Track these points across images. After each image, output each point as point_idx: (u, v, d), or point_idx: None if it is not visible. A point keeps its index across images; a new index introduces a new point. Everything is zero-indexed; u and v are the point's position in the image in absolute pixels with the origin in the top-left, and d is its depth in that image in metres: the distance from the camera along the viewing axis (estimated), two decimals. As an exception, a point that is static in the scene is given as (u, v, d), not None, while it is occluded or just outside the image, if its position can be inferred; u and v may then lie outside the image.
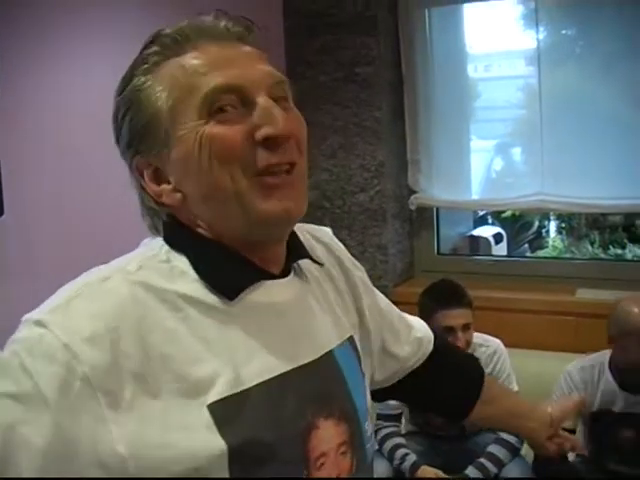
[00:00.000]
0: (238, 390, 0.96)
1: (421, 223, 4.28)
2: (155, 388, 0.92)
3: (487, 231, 5.84)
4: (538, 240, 7.00)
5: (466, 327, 3.04)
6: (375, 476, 1.22)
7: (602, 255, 6.21)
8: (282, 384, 1.01)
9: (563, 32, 3.99)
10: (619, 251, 6.28)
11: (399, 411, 3.27)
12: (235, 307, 1.02)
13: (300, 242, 1.16)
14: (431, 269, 4.20)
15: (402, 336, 1.41)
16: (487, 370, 3.08)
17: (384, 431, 3.24)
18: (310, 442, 1.01)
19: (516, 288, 3.92)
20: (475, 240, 5.61)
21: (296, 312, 1.10)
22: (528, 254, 6.62)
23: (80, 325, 0.90)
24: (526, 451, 3.24)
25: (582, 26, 3.82)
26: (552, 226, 7.05)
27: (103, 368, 0.89)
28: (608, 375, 2.87)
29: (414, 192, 4.14)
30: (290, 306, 1.09)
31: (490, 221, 6.38)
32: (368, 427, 1.15)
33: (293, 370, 1.03)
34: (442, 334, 3.03)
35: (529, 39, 3.87)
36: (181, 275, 1.02)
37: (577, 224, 6.67)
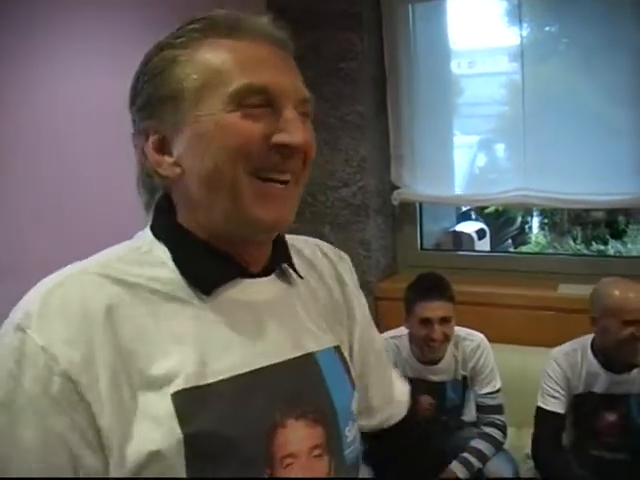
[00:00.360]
0: (203, 383, 0.97)
1: (404, 218, 4.28)
2: (125, 382, 0.95)
3: (470, 227, 5.87)
4: (521, 236, 7.04)
5: (444, 320, 3.04)
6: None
7: (584, 251, 6.25)
8: (251, 381, 1.01)
9: (546, 29, 4.00)
10: (601, 247, 6.32)
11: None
12: (210, 302, 1.04)
13: (286, 247, 1.17)
14: (414, 264, 4.20)
15: (379, 387, 1.39)
16: (470, 364, 3.12)
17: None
18: (275, 441, 1.01)
19: (499, 283, 3.93)
20: (458, 236, 5.63)
21: (275, 312, 1.10)
22: (511, 250, 6.65)
23: (56, 327, 0.93)
24: (509, 445, 3.26)
25: (565, 23, 3.83)
26: (535, 222, 7.10)
27: (80, 365, 0.92)
28: (591, 357, 2.90)
29: (397, 187, 4.14)
30: (269, 305, 1.10)
31: (473, 217, 6.41)
32: (350, 432, 1.13)
33: (265, 368, 1.04)
34: (418, 326, 3.05)
35: (512, 35, 3.87)
36: (161, 266, 1.04)
37: (560, 220, 6.71)
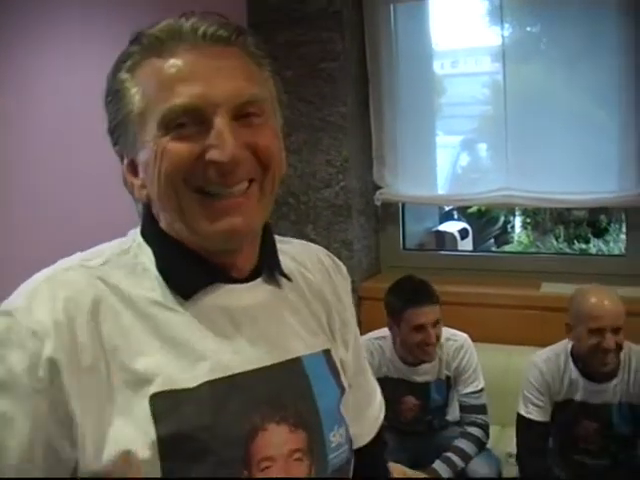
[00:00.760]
0: (181, 387, 0.98)
1: (387, 219, 4.28)
2: (105, 376, 0.96)
3: (453, 226, 5.89)
4: (503, 235, 7.06)
5: (436, 323, 3.05)
6: None
7: (567, 250, 6.27)
8: (229, 385, 1.02)
9: (528, 29, 4.01)
10: (583, 246, 6.35)
11: (380, 397, 3.26)
12: (190, 308, 1.04)
13: (274, 252, 1.16)
14: (397, 264, 4.21)
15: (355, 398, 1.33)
16: (454, 364, 3.12)
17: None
18: (254, 444, 1.01)
19: (482, 283, 3.94)
20: (441, 235, 5.65)
21: (258, 317, 1.10)
22: (494, 249, 6.67)
23: (43, 314, 0.95)
24: (493, 444, 3.26)
25: (547, 23, 3.85)
26: (517, 221, 7.12)
27: (66, 353, 0.94)
28: (572, 364, 2.89)
29: (379, 187, 4.14)
30: (251, 311, 1.09)
31: (456, 216, 6.43)
32: (334, 437, 1.12)
33: (246, 372, 1.04)
34: (412, 332, 3.04)
35: (494, 35, 3.88)
36: (143, 272, 1.05)
37: (542, 219, 6.73)
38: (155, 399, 0.96)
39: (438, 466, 3.05)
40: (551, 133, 3.78)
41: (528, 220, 6.92)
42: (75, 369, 0.94)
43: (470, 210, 6.39)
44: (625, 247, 4.05)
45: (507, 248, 6.72)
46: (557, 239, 6.51)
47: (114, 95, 1.05)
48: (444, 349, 3.17)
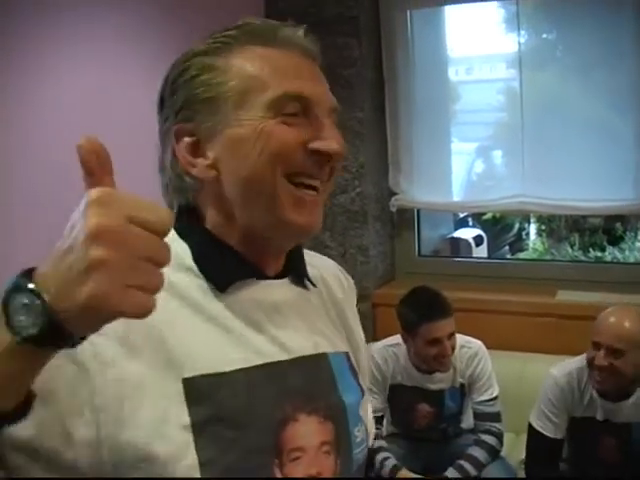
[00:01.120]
0: (216, 371, 1.00)
1: (402, 225, 4.28)
2: (136, 352, 0.96)
3: (468, 233, 5.87)
4: (518, 242, 7.04)
5: (452, 335, 3.04)
6: None
7: (582, 257, 6.24)
8: (264, 373, 1.04)
9: (544, 36, 4.01)
10: (599, 253, 6.31)
11: (380, 414, 3.26)
12: (225, 300, 1.06)
13: (301, 256, 1.21)
14: (412, 271, 4.20)
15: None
16: (468, 372, 3.11)
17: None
18: (284, 434, 1.03)
19: (497, 290, 3.93)
20: (456, 242, 5.64)
21: (289, 311, 1.13)
22: (508, 256, 6.65)
23: None
24: (507, 452, 3.25)
25: (563, 30, 3.85)
26: (532, 228, 7.09)
27: (118, 335, 0.95)
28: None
29: (395, 194, 4.14)
30: (285, 305, 1.13)
31: (470, 223, 6.41)
32: (359, 433, 1.15)
33: (279, 362, 1.07)
34: (427, 346, 3.03)
35: (510, 42, 3.88)
36: (178, 263, 1.05)
37: (557, 226, 6.70)
38: (189, 382, 0.98)
39: (451, 474, 3.04)
40: (567, 140, 3.77)
41: (543, 227, 6.89)
42: (103, 339, 0.92)
43: (485, 217, 6.37)
44: (641, 255, 4.03)
45: (522, 255, 6.69)
46: (572, 247, 6.48)
47: (199, 74, 1.06)
48: (458, 357, 3.15)
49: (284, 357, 1.08)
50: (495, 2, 4.04)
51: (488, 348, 3.21)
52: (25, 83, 2.61)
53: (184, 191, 1.12)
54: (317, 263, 1.28)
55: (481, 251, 5.82)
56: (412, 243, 4.30)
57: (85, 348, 0.86)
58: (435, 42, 4.11)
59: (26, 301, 0.71)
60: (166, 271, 1.02)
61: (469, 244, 5.65)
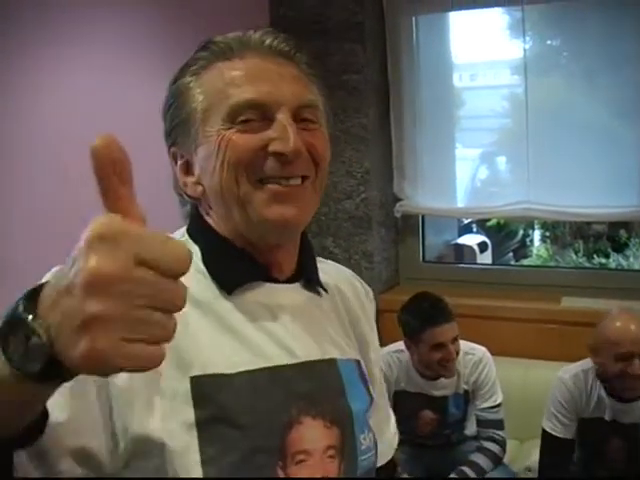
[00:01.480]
0: (221, 372, 1.02)
1: (406, 230, 4.27)
2: None
3: (472, 239, 5.87)
4: (522, 249, 7.03)
5: (455, 339, 3.03)
6: None
7: (586, 264, 6.23)
8: (270, 376, 1.06)
9: (549, 42, 4.01)
10: (603, 260, 6.30)
11: (394, 421, 3.25)
12: (233, 302, 1.09)
13: (314, 260, 1.23)
14: (416, 277, 4.20)
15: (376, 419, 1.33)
16: (472, 378, 3.10)
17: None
18: (289, 436, 1.04)
19: (501, 296, 3.92)
20: (460, 248, 5.64)
21: (298, 316, 1.14)
22: (512, 263, 6.64)
23: None
24: (511, 459, 3.24)
25: (568, 36, 3.85)
26: (536, 235, 7.08)
27: None
28: (598, 382, 2.83)
29: (400, 199, 4.14)
30: (294, 309, 1.14)
31: (475, 230, 6.41)
32: (365, 441, 1.15)
33: (285, 366, 1.08)
34: (431, 351, 3.03)
35: (515, 49, 3.88)
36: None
37: (561, 233, 6.69)
38: (196, 381, 0.99)
39: (453, 480, 3.04)
40: (571, 146, 3.77)
41: (547, 234, 6.88)
42: None
43: (489, 223, 6.37)
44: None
45: (526, 262, 6.68)
46: (576, 253, 6.46)
47: (176, 98, 1.13)
48: (462, 363, 3.15)
49: (290, 361, 1.09)
50: (500, 8, 4.03)
51: (492, 354, 3.21)
52: (25, 83, 2.62)
53: (187, 204, 1.19)
54: (332, 271, 1.30)
55: (485, 257, 5.81)
56: (416, 249, 4.29)
57: None
58: (440, 48, 4.11)
59: (28, 335, 0.66)
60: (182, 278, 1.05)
61: (473, 250, 5.65)
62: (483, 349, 3.19)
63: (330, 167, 1.17)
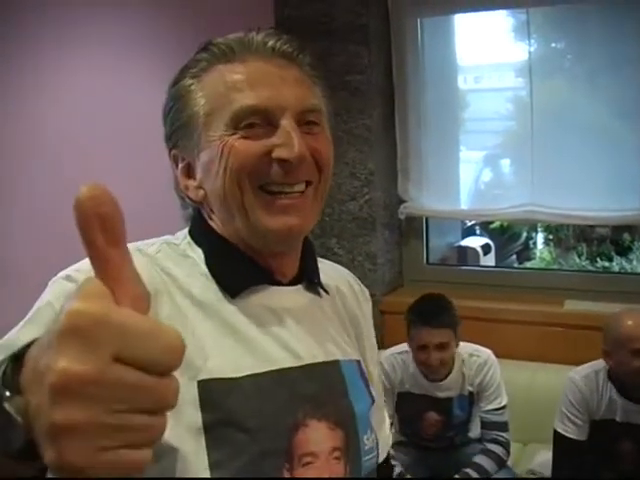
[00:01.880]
0: (228, 376, 1.01)
1: (410, 232, 4.27)
2: None
3: (475, 242, 5.86)
4: (526, 251, 7.02)
5: (442, 346, 3.02)
6: None
7: (589, 267, 6.22)
8: (276, 379, 1.06)
9: (553, 45, 4.01)
10: (606, 263, 6.30)
11: (388, 421, 3.25)
12: (237, 305, 1.09)
13: (315, 262, 1.23)
14: (420, 279, 4.20)
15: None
16: (477, 380, 3.10)
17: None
18: (295, 439, 1.04)
19: (504, 299, 3.92)
20: (463, 250, 5.63)
21: (300, 319, 1.14)
22: (516, 265, 6.63)
23: None
24: (514, 461, 3.24)
25: (572, 39, 3.85)
26: (540, 237, 7.08)
27: None
28: (610, 383, 2.83)
29: (403, 201, 4.14)
30: (297, 312, 1.14)
31: (478, 232, 6.40)
32: (367, 441, 1.15)
33: (290, 368, 1.08)
34: (417, 351, 3.04)
35: (520, 51, 3.88)
36: (193, 267, 1.10)
37: (565, 236, 6.69)
38: (203, 385, 0.99)
39: (456, 482, 3.04)
40: (575, 149, 3.76)
41: (550, 237, 6.87)
42: None
43: (492, 226, 6.36)
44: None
45: (529, 264, 6.67)
46: (580, 256, 6.46)
47: (177, 101, 1.12)
48: (467, 365, 3.15)
49: (295, 363, 1.09)
50: (505, 11, 4.04)
51: (496, 357, 3.20)
52: (26, 84, 2.62)
53: (188, 207, 1.19)
54: (331, 271, 1.29)
55: (488, 260, 5.81)
56: (420, 251, 4.29)
57: None
58: (445, 50, 4.11)
59: (6, 410, 0.59)
60: (185, 279, 1.06)
61: (477, 253, 5.64)
62: (488, 351, 3.19)
63: (334, 168, 1.17)
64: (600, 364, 2.87)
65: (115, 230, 0.56)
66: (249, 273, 1.12)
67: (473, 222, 6.04)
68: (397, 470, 3.09)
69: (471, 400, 3.19)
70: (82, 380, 0.52)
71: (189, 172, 1.13)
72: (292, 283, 1.17)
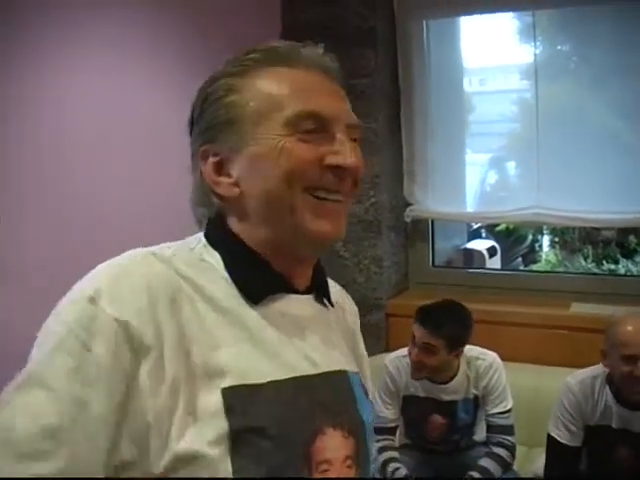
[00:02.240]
0: (251, 382, 1.01)
1: (416, 235, 4.28)
2: (184, 362, 0.99)
3: (481, 244, 5.86)
4: (531, 254, 7.02)
5: (426, 348, 3.03)
6: None
7: (595, 270, 6.22)
8: (297, 386, 1.06)
9: (559, 47, 4.01)
10: (612, 266, 6.29)
11: (394, 424, 3.25)
12: (257, 310, 1.09)
13: (325, 278, 1.24)
14: (426, 281, 4.20)
15: None
16: (482, 383, 3.10)
17: (378, 444, 3.22)
18: (314, 445, 1.05)
19: (510, 301, 3.92)
20: (469, 253, 5.63)
21: (316, 327, 1.16)
22: (521, 268, 6.63)
23: (127, 301, 0.98)
24: (519, 465, 3.24)
25: (578, 41, 3.85)
26: (545, 240, 7.07)
27: (148, 341, 0.96)
28: (607, 388, 2.83)
29: (409, 204, 4.14)
30: (310, 321, 1.16)
31: (484, 235, 6.40)
32: (373, 449, 1.19)
33: (310, 376, 1.09)
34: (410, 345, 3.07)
35: (526, 53, 3.89)
36: (210, 271, 1.10)
37: (570, 238, 6.68)
38: (228, 392, 0.99)
39: (463, 485, 3.03)
40: (581, 152, 3.77)
41: (556, 239, 6.87)
42: (159, 359, 0.96)
43: (498, 228, 6.36)
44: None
45: (535, 267, 6.68)
46: (585, 259, 6.46)
47: (220, 97, 1.12)
48: (472, 368, 3.15)
49: (312, 371, 1.10)
50: (511, 13, 4.04)
51: (501, 360, 3.20)
52: (26, 84, 2.62)
53: (211, 207, 1.16)
54: (331, 284, 1.30)
55: (494, 262, 5.80)
56: (426, 253, 4.29)
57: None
58: (450, 53, 4.12)
59: None
60: (204, 284, 1.06)
61: (482, 255, 5.63)
62: (494, 354, 3.19)
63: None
64: (599, 370, 2.86)
65: None
66: (271, 280, 1.12)
67: (479, 225, 6.04)
68: (402, 473, 3.10)
69: (476, 403, 3.19)
70: None
71: (221, 168, 1.12)
72: (305, 292, 1.18)
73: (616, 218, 3.77)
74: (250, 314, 1.08)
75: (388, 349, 3.71)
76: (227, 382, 1.00)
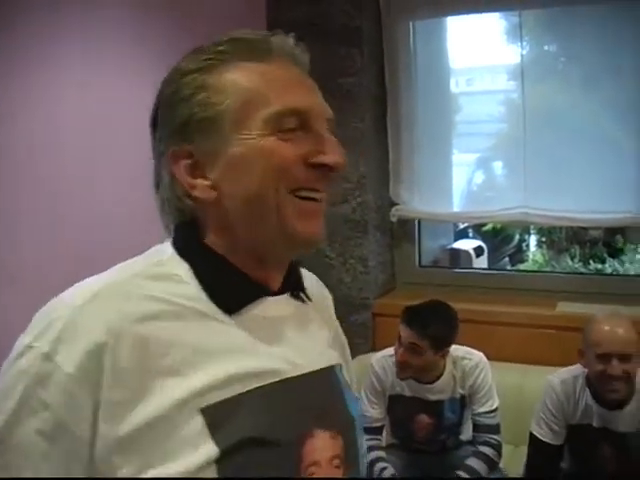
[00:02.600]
0: (234, 394, 0.98)
1: (402, 235, 4.27)
2: (150, 397, 0.94)
3: (468, 244, 5.86)
4: (518, 254, 7.04)
5: (412, 348, 3.03)
6: None
7: (582, 269, 6.24)
8: (281, 390, 1.03)
9: (546, 47, 4.02)
10: (599, 266, 6.31)
11: (380, 424, 3.25)
12: (235, 318, 1.05)
13: (300, 273, 1.20)
14: (412, 281, 4.20)
15: None
16: (468, 383, 3.10)
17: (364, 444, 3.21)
18: (303, 450, 1.02)
19: (497, 301, 3.93)
20: (456, 253, 5.63)
21: (295, 327, 1.13)
22: (508, 267, 6.64)
23: (81, 351, 0.93)
24: (505, 463, 3.24)
25: (565, 41, 3.85)
26: (532, 240, 7.09)
27: (108, 384, 0.92)
28: (587, 388, 2.85)
29: (396, 204, 4.14)
30: (288, 321, 1.12)
31: (471, 234, 6.41)
32: (362, 445, 1.16)
33: (293, 378, 1.06)
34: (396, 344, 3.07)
35: (512, 54, 3.89)
36: (182, 284, 1.04)
37: (557, 238, 6.70)
38: (208, 411, 0.95)
39: (449, 484, 3.03)
40: (568, 152, 3.77)
41: (543, 239, 6.89)
42: (120, 396, 0.93)
43: (485, 228, 6.38)
44: (641, 268, 4.03)
45: (522, 267, 6.69)
46: (572, 258, 6.48)
47: (189, 96, 1.05)
48: (458, 367, 3.15)
49: (296, 373, 1.07)
50: (497, 13, 4.04)
51: (488, 359, 3.20)
52: (25, 82, 2.61)
53: (183, 211, 1.09)
54: (306, 276, 1.26)
55: (481, 262, 5.80)
56: (412, 253, 4.29)
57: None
58: (437, 53, 4.11)
59: None
60: (177, 300, 1.01)
61: (469, 255, 5.64)
62: (480, 354, 3.19)
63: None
64: (579, 369, 2.89)
65: None
66: (245, 288, 1.08)
67: (466, 224, 6.04)
68: (389, 472, 3.09)
69: (462, 403, 3.19)
70: None
71: (195, 170, 1.05)
72: (280, 290, 1.14)
73: (603, 218, 3.77)
74: (227, 324, 1.04)
75: (375, 349, 3.70)
76: (206, 400, 0.95)
